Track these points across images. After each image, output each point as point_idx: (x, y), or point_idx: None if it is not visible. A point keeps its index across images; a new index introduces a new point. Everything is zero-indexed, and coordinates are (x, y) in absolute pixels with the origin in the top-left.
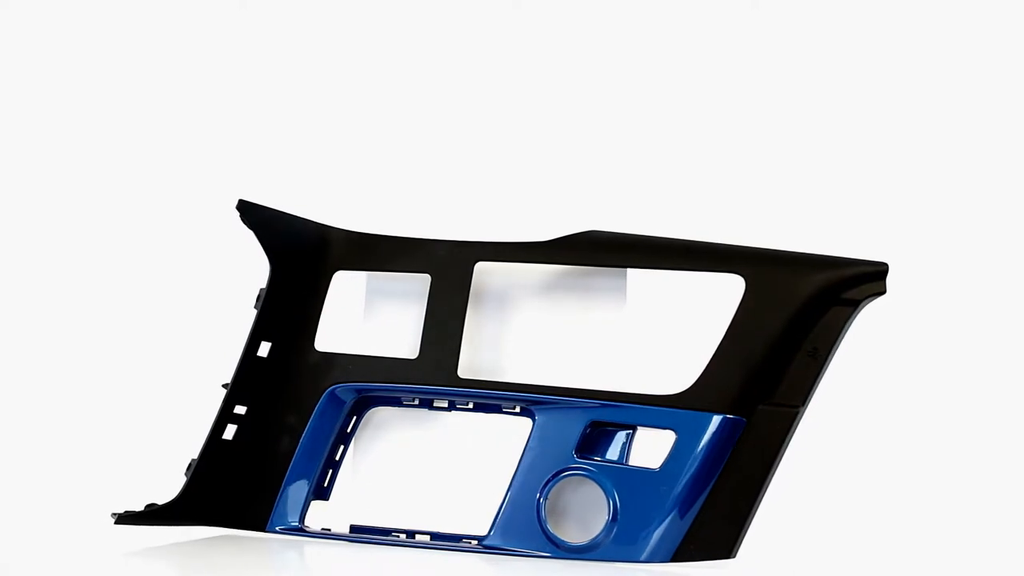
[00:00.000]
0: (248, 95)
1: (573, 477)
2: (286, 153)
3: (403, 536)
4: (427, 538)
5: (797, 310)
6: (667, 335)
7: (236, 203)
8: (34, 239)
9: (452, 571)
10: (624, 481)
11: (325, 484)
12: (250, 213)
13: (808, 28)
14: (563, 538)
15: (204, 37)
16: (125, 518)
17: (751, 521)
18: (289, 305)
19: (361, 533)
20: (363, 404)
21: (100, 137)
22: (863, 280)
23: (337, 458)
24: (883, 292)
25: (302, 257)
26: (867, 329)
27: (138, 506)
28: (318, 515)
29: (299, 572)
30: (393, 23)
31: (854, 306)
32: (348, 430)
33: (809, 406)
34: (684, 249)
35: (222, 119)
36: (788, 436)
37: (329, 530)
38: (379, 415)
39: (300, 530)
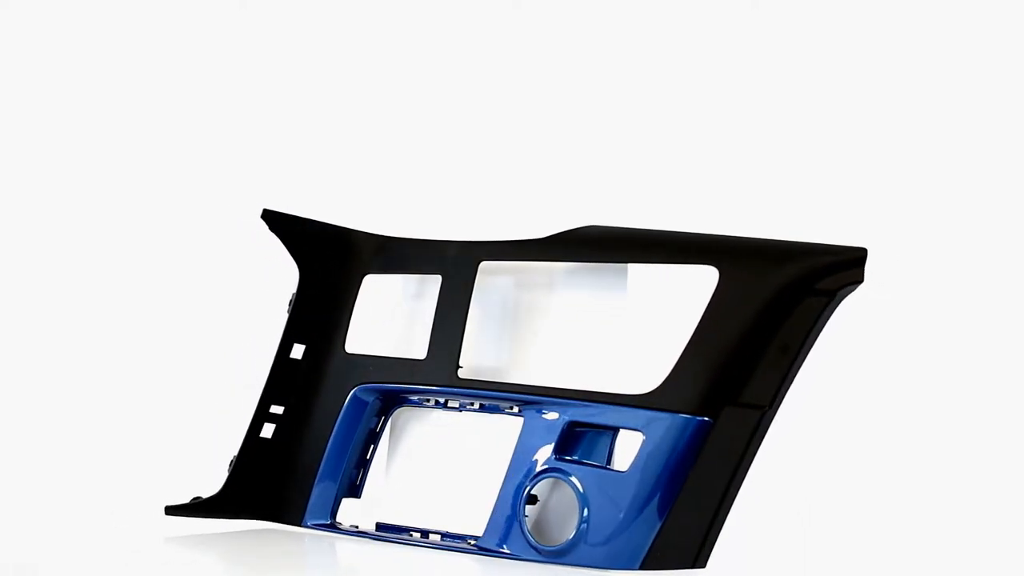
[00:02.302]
0: (246, 100)
1: (558, 478)
2: (284, 153)
3: (417, 535)
4: (438, 538)
5: (768, 303)
6: (669, 331)
7: (260, 213)
8: (86, 252)
9: (441, 571)
10: (594, 483)
11: (356, 482)
12: (275, 221)
13: (785, 21)
14: (547, 541)
15: (208, 47)
16: (174, 510)
17: (718, 530)
18: (318, 308)
19: (384, 531)
20: (389, 404)
21: (119, 148)
22: (838, 268)
23: (367, 457)
24: (860, 281)
25: (329, 262)
26: (849, 323)
27: (184, 499)
28: (350, 512)
29: (303, 567)
30: (386, 26)
31: (829, 297)
32: (376, 430)
33: (794, 407)
34: (655, 242)
35: (221, 122)
36: (755, 439)
37: (357, 527)
38: (411, 415)
39: (331, 526)
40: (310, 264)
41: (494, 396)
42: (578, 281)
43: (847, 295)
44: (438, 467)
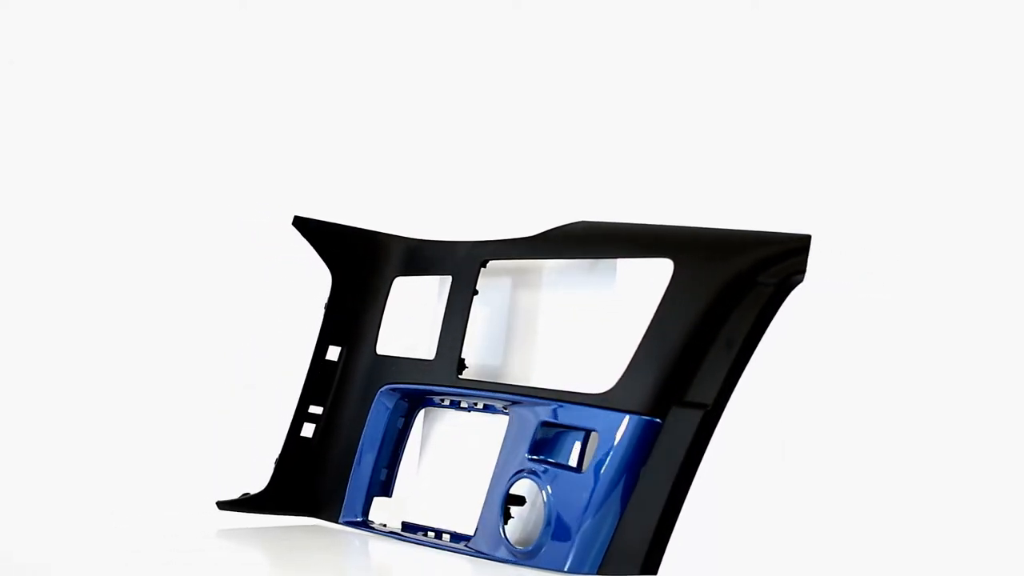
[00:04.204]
0: (245, 100)
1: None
2: (283, 154)
3: (432, 535)
4: (448, 538)
5: (713, 297)
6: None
7: (292, 220)
8: (123, 254)
9: (430, 572)
10: (558, 485)
11: (386, 481)
12: (306, 228)
13: (778, 21)
14: (528, 543)
15: (208, 53)
16: (225, 505)
17: (667, 536)
18: (351, 311)
19: (409, 531)
20: (414, 405)
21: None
22: (779, 259)
23: (396, 457)
24: (802, 270)
25: (360, 265)
26: (807, 318)
27: (234, 494)
28: (382, 510)
29: (307, 564)
30: (377, 30)
31: (771, 289)
32: (402, 429)
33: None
34: (618, 236)
35: (220, 125)
36: (699, 441)
37: (385, 525)
38: (436, 415)
39: (362, 523)
40: (342, 268)
41: (485, 396)
42: (570, 279)
43: (794, 286)
44: (456, 467)
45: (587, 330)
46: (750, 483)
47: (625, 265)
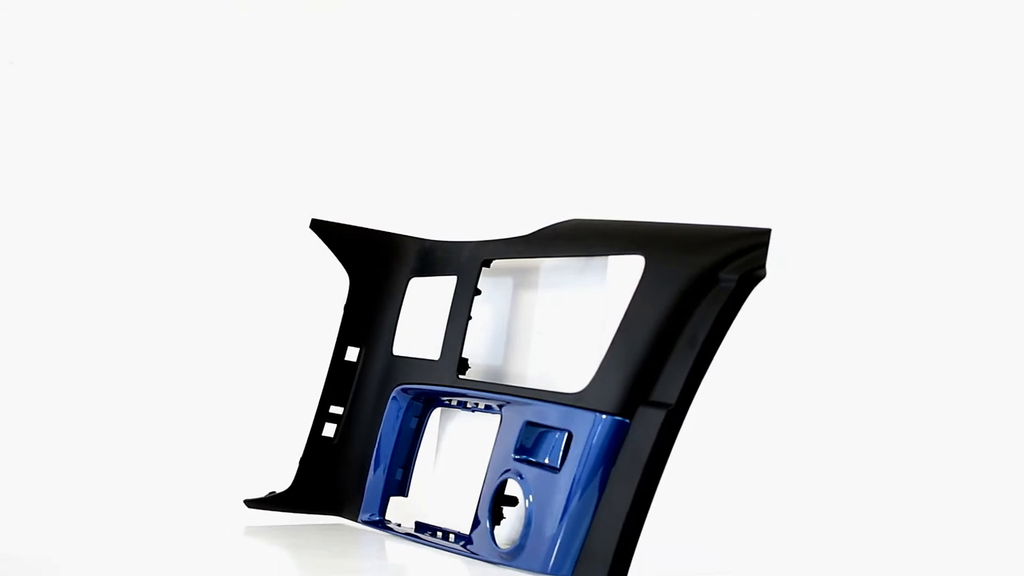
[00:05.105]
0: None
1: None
2: (282, 155)
3: (439, 535)
4: (453, 538)
5: (677, 293)
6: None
7: (309, 223)
8: (144, 260)
9: (427, 570)
10: (537, 485)
11: (402, 481)
12: (323, 230)
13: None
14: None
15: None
16: (254, 503)
17: (634, 541)
18: (368, 312)
19: (421, 531)
20: (427, 405)
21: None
22: (739, 254)
23: (411, 457)
24: (761, 264)
25: (376, 266)
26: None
27: (261, 493)
28: (398, 510)
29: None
30: (370, 36)
31: (732, 285)
32: (416, 429)
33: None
34: (595, 233)
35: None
36: (664, 440)
37: (400, 524)
38: (449, 415)
39: (378, 523)
40: (359, 270)
41: (481, 396)
42: (564, 278)
43: (757, 282)
44: (468, 467)
45: (578, 329)
46: (720, 484)
47: (615, 262)
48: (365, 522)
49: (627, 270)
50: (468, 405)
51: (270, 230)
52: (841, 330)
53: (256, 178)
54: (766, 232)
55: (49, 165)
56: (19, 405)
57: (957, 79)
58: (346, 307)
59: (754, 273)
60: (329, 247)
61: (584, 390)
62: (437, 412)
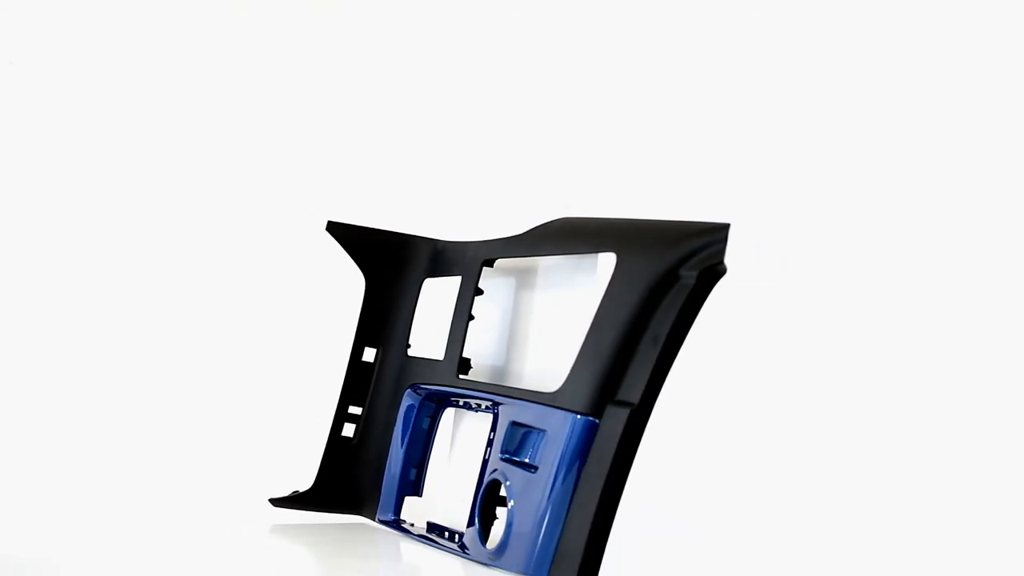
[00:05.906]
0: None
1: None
2: (282, 156)
3: (446, 536)
4: (456, 538)
5: (641, 291)
6: None
7: (325, 225)
8: (171, 258)
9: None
10: (518, 484)
11: (416, 480)
12: (339, 232)
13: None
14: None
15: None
16: (278, 502)
17: (602, 538)
18: (384, 313)
19: (431, 531)
20: (439, 405)
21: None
22: (701, 250)
23: (425, 457)
24: (719, 260)
25: (392, 268)
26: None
27: (286, 492)
28: (412, 510)
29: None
30: (370, 36)
31: (693, 281)
32: (428, 430)
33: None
34: (573, 231)
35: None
36: (629, 440)
37: (413, 525)
38: (460, 416)
39: (392, 523)
40: (374, 271)
41: (477, 396)
42: (559, 277)
43: (718, 278)
44: (471, 468)
45: (569, 328)
46: (687, 485)
47: (603, 260)
48: (382, 521)
49: (611, 268)
50: (472, 405)
51: (285, 233)
52: (826, 326)
53: (261, 182)
54: (725, 227)
55: (49, 165)
56: (46, 405)
57: (947, 70)
58: (363, 308)
59: (714, 269)
60: (345, 249)
61: (559, 390)
62: (451, 413)
